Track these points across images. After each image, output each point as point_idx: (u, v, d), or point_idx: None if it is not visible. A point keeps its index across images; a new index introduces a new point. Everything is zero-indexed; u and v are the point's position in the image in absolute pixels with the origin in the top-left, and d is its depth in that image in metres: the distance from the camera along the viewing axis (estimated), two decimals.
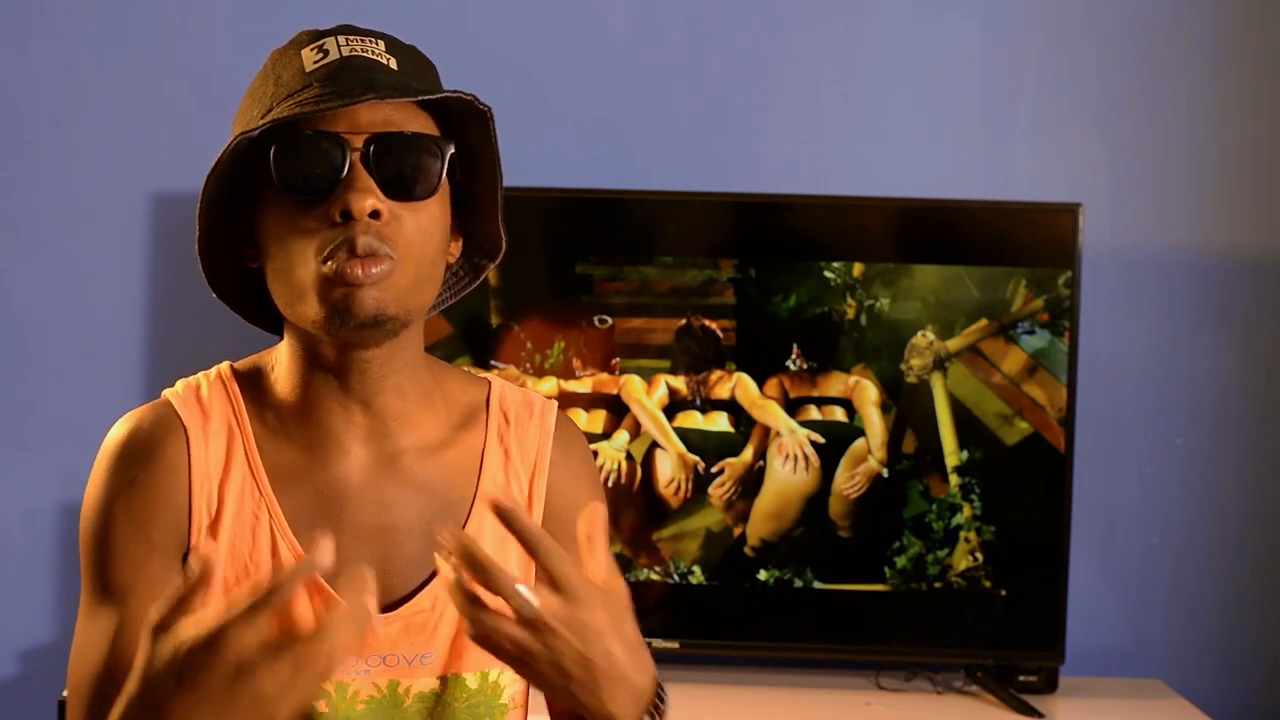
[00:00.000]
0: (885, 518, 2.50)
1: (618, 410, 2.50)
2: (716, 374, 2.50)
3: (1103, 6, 2.66)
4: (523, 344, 2.49)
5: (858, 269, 2.48)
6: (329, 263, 1.24)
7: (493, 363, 2.49)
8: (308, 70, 1.28)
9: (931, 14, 2.67)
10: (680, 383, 2.51)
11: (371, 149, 1.26)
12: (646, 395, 2.50)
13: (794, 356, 2.50)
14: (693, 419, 2.50)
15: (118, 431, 1.35)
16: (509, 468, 1.39)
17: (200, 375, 1.38)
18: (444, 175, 1.29)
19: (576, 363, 2.50)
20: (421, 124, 1.30)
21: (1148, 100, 2.66)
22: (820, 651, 2.57)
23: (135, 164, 2.67)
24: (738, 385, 2.50)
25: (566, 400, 2.48)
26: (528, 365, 2.49)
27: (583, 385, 2.50)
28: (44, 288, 2.69)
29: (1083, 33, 2.67)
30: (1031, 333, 2.48)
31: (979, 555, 2.49)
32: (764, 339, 2.50)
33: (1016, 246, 2.49)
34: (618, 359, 2.50)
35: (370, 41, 1.30)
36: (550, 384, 2.49)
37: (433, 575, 1.35)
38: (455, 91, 1.28)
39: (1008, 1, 2.66)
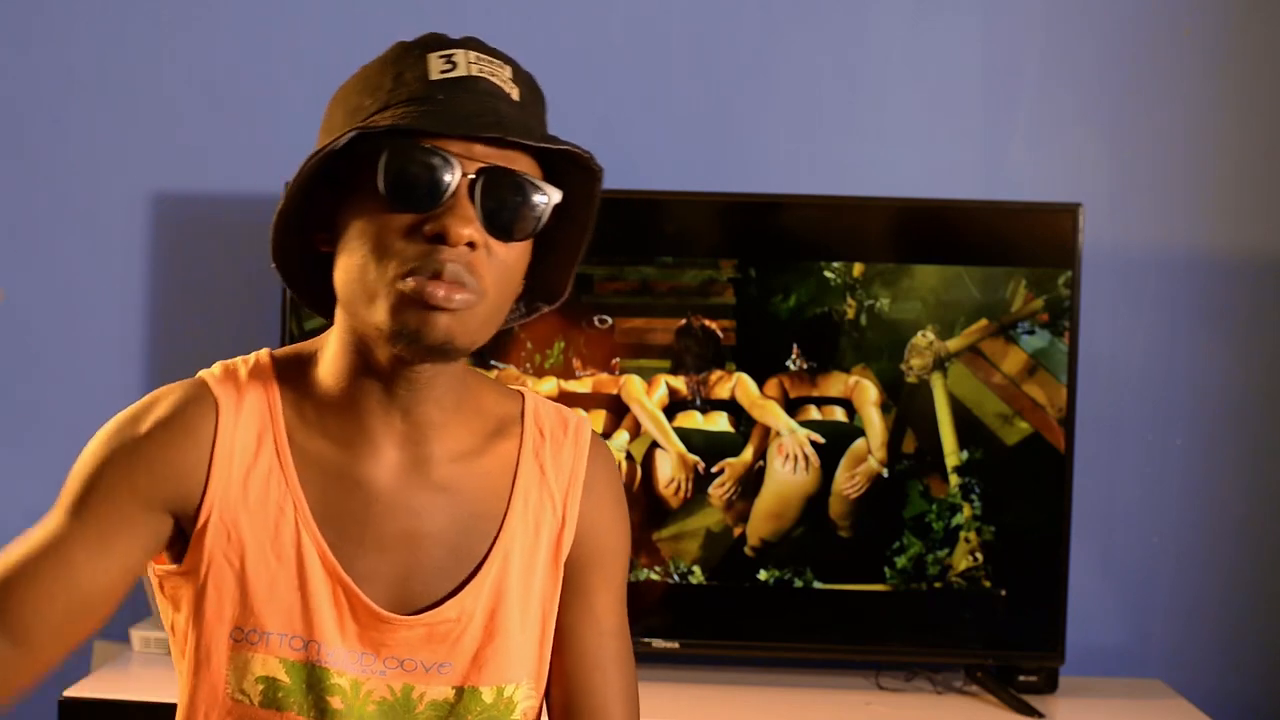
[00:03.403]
0: (885, 518, 2.50)
1: (618, 410, 2.50)
2: (716, 374, 2.50)
3: (1103, 6, 2.66)
4: (523, 344, 2.49)
5: (858, 269, 2.48)
6: (409, 279, 1.22)
7: (493, 362, 2.49)
8: (433, 79, 1.26)
9: (931, 14, 2.67)
10: (680, 383, 2.50)
11: (482, 180, 1.24)
12: (646, 395, 2.50)
13: (794, 356, 2.50)
14: (693, 419, 2.50)
15: (148, 395, 1.33)
16: (544, 484, 1.39)
17: (239, 359, 1.37)
18: (543, 222, 1.28)
19: (576, 363, 2.50)
20: (528, 163, 1.28)
21: (1148, 100, 2.66)
22: (820, 651, 2.57)
23: (135, 164, 2.67)
24: (738, 385, 2.50)
25: (566, 400, 2.47)
26: (528, 365, 2.49)
27: (583, 385, 2.50)
28: (44, 288, 2.69)
29: (1083, 33, 2.67)
30: (1031, 333, 2.48)
31: (979, 555, 2.49)
32: (764, 339, 2.50)
33: (1016, 246, 2.49)
34: (618, 359, 2.50)
35: (498, 65, 1.30)
36: (550, 384, 2.49)
37: (460, 586, 1.34)
38: (577, 146, 1.27)
39: (1008, 1, 2.66)
